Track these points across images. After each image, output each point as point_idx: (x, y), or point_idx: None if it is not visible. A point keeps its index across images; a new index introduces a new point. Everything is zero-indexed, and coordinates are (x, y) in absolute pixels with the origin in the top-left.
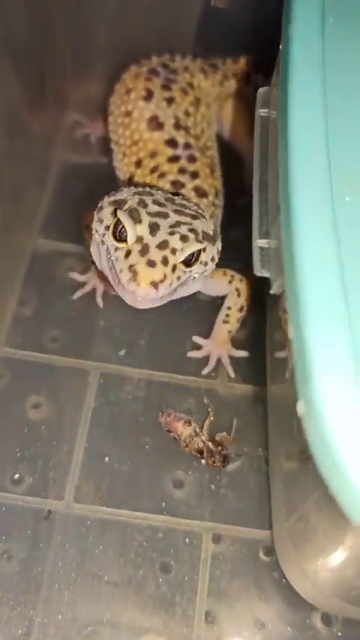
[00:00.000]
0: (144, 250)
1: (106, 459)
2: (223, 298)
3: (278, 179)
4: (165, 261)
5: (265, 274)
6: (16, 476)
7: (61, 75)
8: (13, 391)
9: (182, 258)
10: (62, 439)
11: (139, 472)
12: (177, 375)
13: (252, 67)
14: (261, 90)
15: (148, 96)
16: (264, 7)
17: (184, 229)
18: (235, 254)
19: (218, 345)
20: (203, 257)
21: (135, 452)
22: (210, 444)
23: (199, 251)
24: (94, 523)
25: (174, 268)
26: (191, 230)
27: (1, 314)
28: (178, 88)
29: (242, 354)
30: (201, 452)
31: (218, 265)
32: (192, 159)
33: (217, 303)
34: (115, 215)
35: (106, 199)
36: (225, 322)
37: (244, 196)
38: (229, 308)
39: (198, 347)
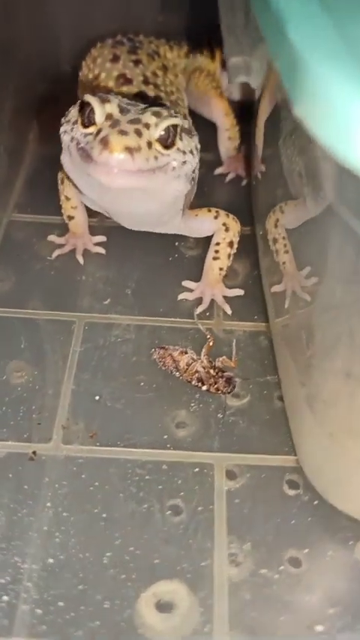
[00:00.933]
0: (114, 124)
1: (97, 397)
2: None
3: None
4: (138, 133)
5: (243, 79)
6: None
7: (29, 84)
8: None
9: (157, 134)
10: (46, 383)
11: (136, 409)
12: (169, 318)
13: (216, 44)
14: None
15: (115, 59)
16: None
17: (155, 108)
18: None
19: (210, 285)
20: (181, 144)
21: (129, 390)
22: (211, 370)
23: (175, 132)
24: (87, 462)
25: (150, 144)
26: (164, 109)
27: None
28: (145, 53)
29: (237, 292)
30: (201, 380)
31: None
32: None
33: (203, 256)
34: (83, 104)
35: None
36: (215, 259)
37: (219, 166)
38: (217, 244)
39: (189, 292)
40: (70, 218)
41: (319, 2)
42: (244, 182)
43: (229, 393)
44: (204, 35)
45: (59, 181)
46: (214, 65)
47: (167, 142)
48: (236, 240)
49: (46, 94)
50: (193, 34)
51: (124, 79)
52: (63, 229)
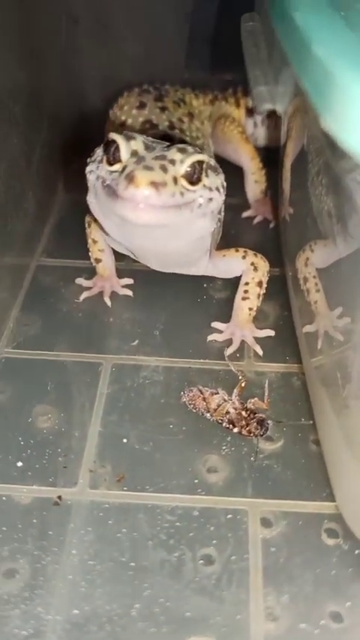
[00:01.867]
0: (139, 160)
1: (124, 440)
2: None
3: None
4: (164, 169)
5: (269, 107)
6: (19, 464)
7: (59, 133)
8: (17, 390)
9: (183, 170)
10: (72, 426)
11: (165, 452)
12: (198, 359)
13: (240, 93)
14: (246, 14)
15: (141, 106)
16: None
17: (181, 145)
18: None
19: (240, 326)
20: (207, 181)
21: (158, 432)
22: (243, 412)
23: (201, 168)
24: (114, 507)
25: (175, 180)
26: (189, 145)
27: (4, 321)
28: (171, 101)
29: (268, 333)
30: (232, 422)
31: None
32: None
33: (232, 298)
34: (108, 143)
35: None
36: (244, 299)
37: (246, 210)
38: (246, 284)
39: (219, 333)
40: (98, 261)
41: (342, 20)
42: (271, 225)
43: (261, 435)
44: (228, 87)
45: (86, 224)
46: (239, 112)
47: (193, 178)
48: (265, 279)
49: (73, 143)
50: (217, 88)
51: (150, 125)
52: (90, 273)
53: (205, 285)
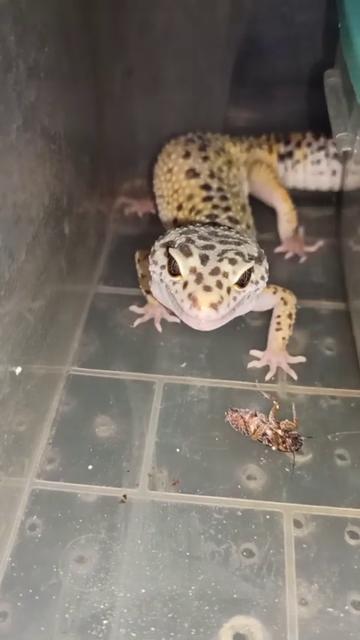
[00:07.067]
0: (199, 279)
1: (177, 450)
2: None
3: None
4: (219, 285)
5: (348, 148)
6: (90, 467)
7: (111, 172)
8: (83, 402)
9: (235, 280)
10: (132, 436)
11: (212, 460)
12: (238, 381)
13: (273, 140)
14: (328, 70)
15: (187, 155)
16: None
17: (231, 254)
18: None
19: (275, 353)
20: (253, 276)
21: (205, 444)
22: (278, 431)
23: (249, 271)
24: (171, 506)
25: (229, 290)
26: (237, 254)
27: (70, 342)
28: (212, 150)
29: (300, 359)
30: (270, 440)
31: None
32: (224, 198)
33: (266, 325)
34: (168, 254)
35: (157, 243)
36: (278, 330)
37: (279, 245)
38: (278, 316)
39: (256, 360)
40: (148, 292)
41: None
42: (301, 260)
43: (296, 450)
44: (263, 125)
45: (136, 260)
46: (272, 157)
47: (244, 282)
48: (294, 311)
49: (119, 180)
50: (255, 126)
51: (193, 174)
52: (141, 300)
53: (242, 315)
